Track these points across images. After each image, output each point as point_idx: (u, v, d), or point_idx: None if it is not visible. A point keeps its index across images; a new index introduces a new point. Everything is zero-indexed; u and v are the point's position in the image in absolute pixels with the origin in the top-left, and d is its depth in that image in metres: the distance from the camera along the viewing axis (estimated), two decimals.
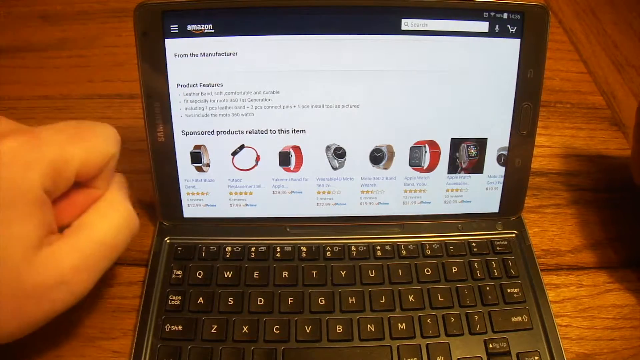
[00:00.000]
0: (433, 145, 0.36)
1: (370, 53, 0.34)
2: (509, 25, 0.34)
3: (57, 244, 0.26)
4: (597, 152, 0.45)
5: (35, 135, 0.25)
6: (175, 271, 0.35)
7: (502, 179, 0.37)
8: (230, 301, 0.33)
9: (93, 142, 0.28)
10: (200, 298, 0.33)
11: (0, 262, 0.23)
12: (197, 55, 0.33)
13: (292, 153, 0.36)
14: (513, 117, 0.36)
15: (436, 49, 0.34)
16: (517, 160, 0.37)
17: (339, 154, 0.36)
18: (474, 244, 0.37)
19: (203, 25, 0.33)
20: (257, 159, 0.36)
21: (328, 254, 0.36)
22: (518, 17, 0.34)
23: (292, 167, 0.36)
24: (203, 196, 0.37)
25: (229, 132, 0.35)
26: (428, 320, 0.33)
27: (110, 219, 0.28)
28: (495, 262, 0.36)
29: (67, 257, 0.26)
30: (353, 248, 0.36)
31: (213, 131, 0.35)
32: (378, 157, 0.36)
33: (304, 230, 0.37)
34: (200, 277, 0.34)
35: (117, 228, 0.28)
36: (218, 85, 0.34)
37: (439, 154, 0.37)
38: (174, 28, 0.33)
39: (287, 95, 0.35)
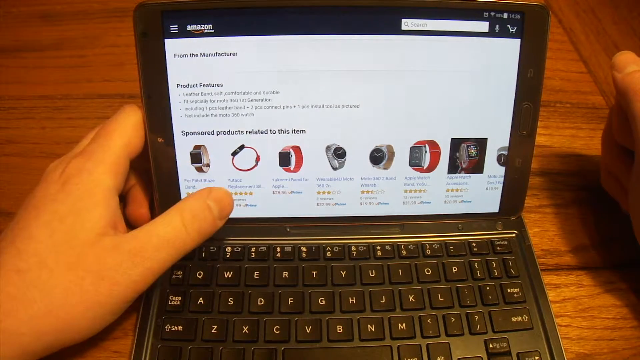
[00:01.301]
0: (433, 145, 0.36)
1: (370, 53, 0.34)
2: (509, 25, 0.34)
3: (120, 233, 0.30)
4: (597, 152, 0.45)
5: (85, 150, 0.32)
6: (175, 271, 0.35)
7: (502, 179, 0.37)
8: (231, 301, 0.33)
9: (121, 126, 0.33)
10: (201, 298, 0.33)
11: (69, 238, 0.29)
12: (197, 55, 0.33)
13: (292, 153, 0.36)
14: (513, 117, 0.36)
15: (436, 49, 0.34)
16: (517, 160, 0.37)
17: (339, 154, 0.36)
18: (474, 244, 0.37)
19: (203, 26, 0.33)
20: (257, 159, 0.36)
21: (328, 254, 0.36)
22: (518, 17, 0.34)
23: (292, 167, 0.36)
24: None
25: (229, 132, 0.35)
26: (428, 320, 0.33)
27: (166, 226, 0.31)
28: (496, 262, 0.36)
29: (127, 243, 0.30)
30: (353, 248, 0.36)
31: (213, 131, 0.35)
32: (378, 157, 0.36)
33: (304, 230, 0.37)
34: (200, 277, 0.34)
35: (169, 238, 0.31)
36: (218, 85, 0.34)
37: (439, 154, 0.37)
38: (174, 28, 0.33)
39: (287, 95, 0.35)
